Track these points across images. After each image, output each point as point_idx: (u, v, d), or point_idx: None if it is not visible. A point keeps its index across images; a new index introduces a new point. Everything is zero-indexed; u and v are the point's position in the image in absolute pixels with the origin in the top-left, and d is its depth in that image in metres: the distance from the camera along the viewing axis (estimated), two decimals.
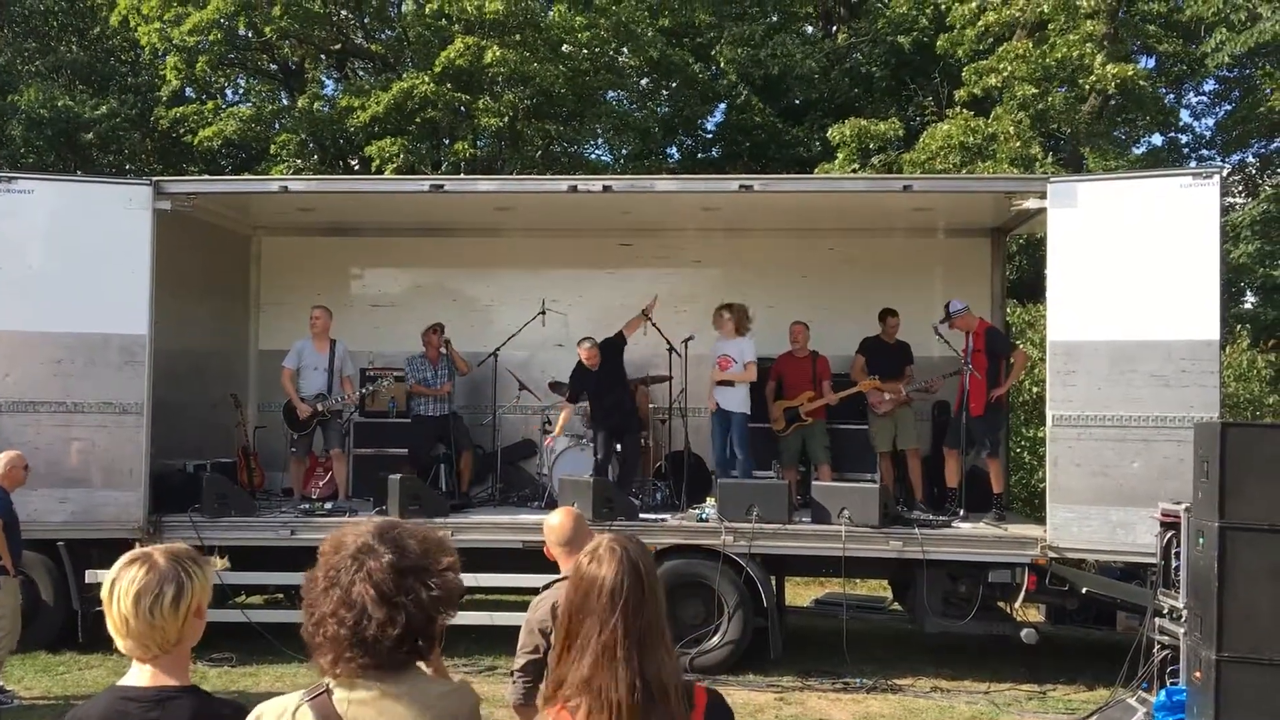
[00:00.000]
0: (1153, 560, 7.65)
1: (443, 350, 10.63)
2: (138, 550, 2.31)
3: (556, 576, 4.01)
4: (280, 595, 10.41)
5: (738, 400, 9.99)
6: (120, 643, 2.25)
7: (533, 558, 8.68)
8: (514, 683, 3.97)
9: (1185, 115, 22.49)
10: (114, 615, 2.22)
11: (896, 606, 10.39)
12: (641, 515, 9.27)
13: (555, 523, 4.02)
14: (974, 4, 17.31)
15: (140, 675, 2.27)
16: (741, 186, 9.52)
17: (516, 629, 4.02)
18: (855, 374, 10.28)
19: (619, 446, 10.03)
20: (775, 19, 21.18)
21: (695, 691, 2.29)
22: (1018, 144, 15.77)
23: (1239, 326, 16.57)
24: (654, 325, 10.33)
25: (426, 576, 2.14)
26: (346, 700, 2.12)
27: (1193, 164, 19.93)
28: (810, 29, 22.82)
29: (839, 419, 10.42)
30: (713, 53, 20.71)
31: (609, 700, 2.14)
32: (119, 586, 2.21)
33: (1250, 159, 22.60)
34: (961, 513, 9.42)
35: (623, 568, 2.24)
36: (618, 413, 10.05)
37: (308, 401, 10.02)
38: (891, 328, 10.39)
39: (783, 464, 10.30)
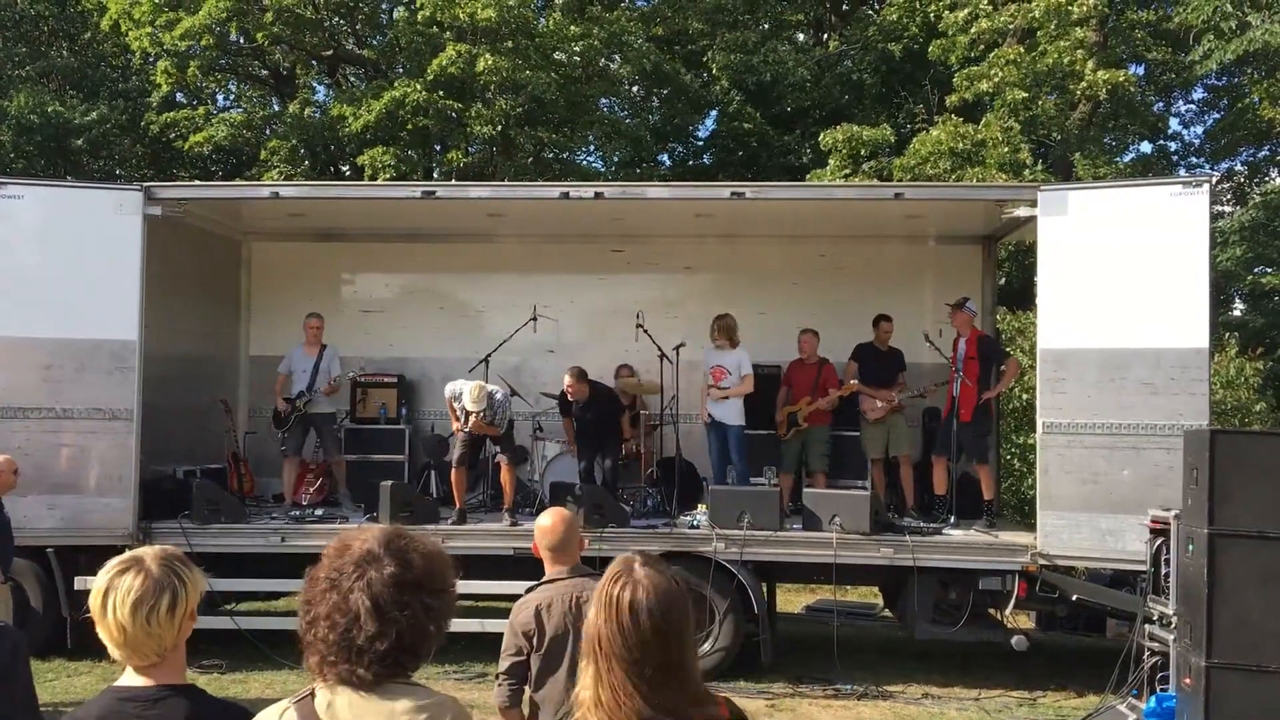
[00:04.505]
0: (1142, 567, 7.66)
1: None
2: (127, 556, 2.26)
3: (541, 580, 4.01)
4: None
5: (733, 412, 9.96)
6: (115, 652, 2.23)
7: (524, 565, 8.71)
8: (499, 685, 3.97)
9: (1174, 123, 22.64)
10: (109, 625, 2.19)
11: (887, 613, 10.40)
12: (633, 522, 9.26)
13: (546, 524, 3.94)
14: (966, 11, 17.35)
15: (137, 676, 2.26)
16: (733, 194, 9.52)
17: None
18: (846, 379, 10.29)
19: (604, 462, 10.00)
20: (767, 26, 21.22)
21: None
22: (1006, 150, 15.79)
23: (1227, 334, 16.63)
24: (645, 332, 10.33)
25: (425, 594, 2.12)
26: (326, 703, 2.12)
27: (1182, 172, 20.04)
28: (802, 36, 22.88)
29: (835, 426, 10.42)
30: (704, 59, 20.74)
31: None
32: (114, 596, 2.18)
33: (1239, 167, 22.72)
34: (952, 519, 9.43)
35: (650, 594, 2.13)
36: (599, 433, 9.99)
37: (287, 400, 10.26)
38: (884, 333, 10.39)
39: (782, 469, 10.26)
